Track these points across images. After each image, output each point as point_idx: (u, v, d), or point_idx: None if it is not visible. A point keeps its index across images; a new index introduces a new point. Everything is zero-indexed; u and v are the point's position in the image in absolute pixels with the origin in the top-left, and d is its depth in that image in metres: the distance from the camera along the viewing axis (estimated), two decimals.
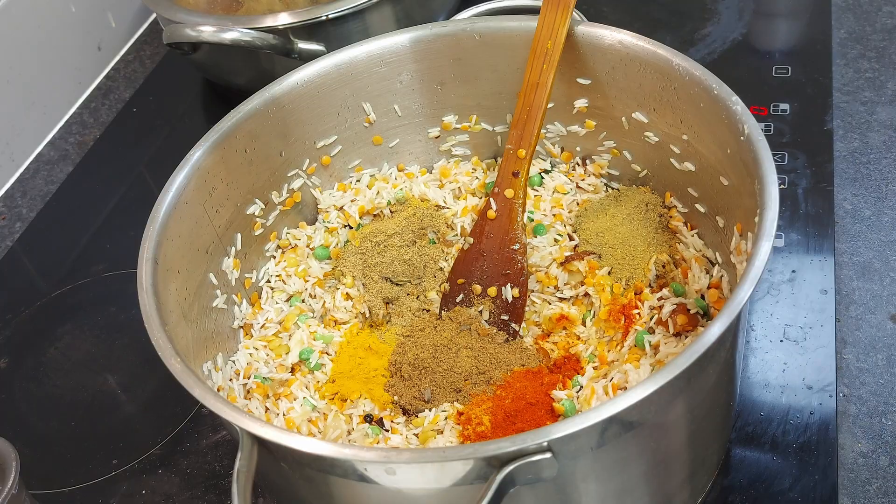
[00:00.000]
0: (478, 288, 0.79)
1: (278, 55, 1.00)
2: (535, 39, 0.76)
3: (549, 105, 0.79)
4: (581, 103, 0.80)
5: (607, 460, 0.57)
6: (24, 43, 1.15)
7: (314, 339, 0.77)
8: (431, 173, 0.88)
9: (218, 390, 0.69)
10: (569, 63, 0.78)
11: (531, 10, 0.82)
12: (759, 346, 0.80)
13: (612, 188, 0.84)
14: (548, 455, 0.50)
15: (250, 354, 0.76)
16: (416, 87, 0.83)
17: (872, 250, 0.88)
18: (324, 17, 0.99)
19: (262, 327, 0.78)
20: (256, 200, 0.79)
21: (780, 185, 0.60)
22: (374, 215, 0.85)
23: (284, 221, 0.84)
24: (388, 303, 0.81)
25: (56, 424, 0.86)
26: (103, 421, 0.86)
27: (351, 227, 0.84)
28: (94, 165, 1.16)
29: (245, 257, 0.80)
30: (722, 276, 0.72)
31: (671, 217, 0.78)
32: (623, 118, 0.79)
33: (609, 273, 0.76)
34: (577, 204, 0.82)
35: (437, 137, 0.86)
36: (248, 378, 0.73)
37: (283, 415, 0.72)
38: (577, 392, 0.70)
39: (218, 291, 0.75)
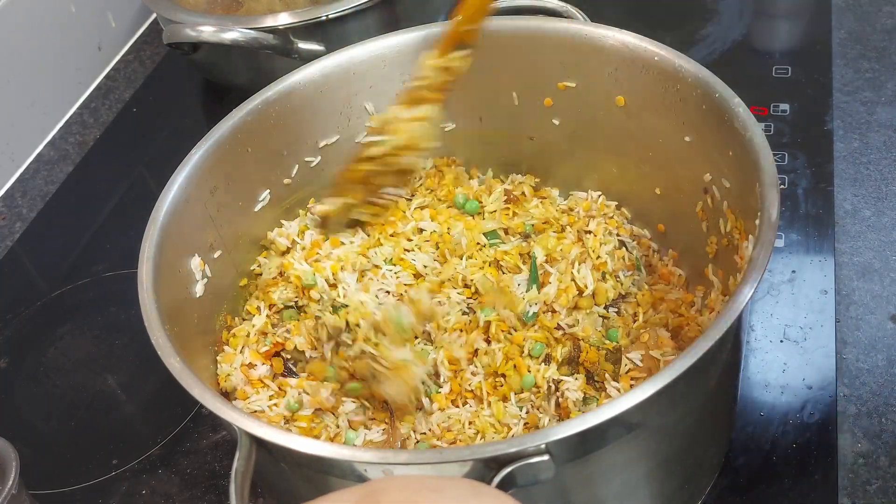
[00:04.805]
0: None
1: (278, 55, 1.00)
2: None
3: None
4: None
5: (606, 462, 0.56)
6: (24, 43, 1.15)
7: None
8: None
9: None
10: (570, 64, 0.78)
11: (534, 11, 0.82)
12: (759, 346, 0.80)
13: None
14: (546, 457, 0.50)
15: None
16: None
17: (872, 250, 0.88)
18: (324, 17, 0.99)
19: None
20: (258, 199, 0.80)
21: (780, 185, 0.60)
22: None
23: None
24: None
25: (56, 424, 0.86)
26: (103, 421, 0.86)
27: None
28: (94, 165, 1.16)
29: None
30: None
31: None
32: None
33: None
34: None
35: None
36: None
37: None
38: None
39: None
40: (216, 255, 0.75)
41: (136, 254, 0.66)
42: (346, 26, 1.01)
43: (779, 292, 0.84)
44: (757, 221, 0.59)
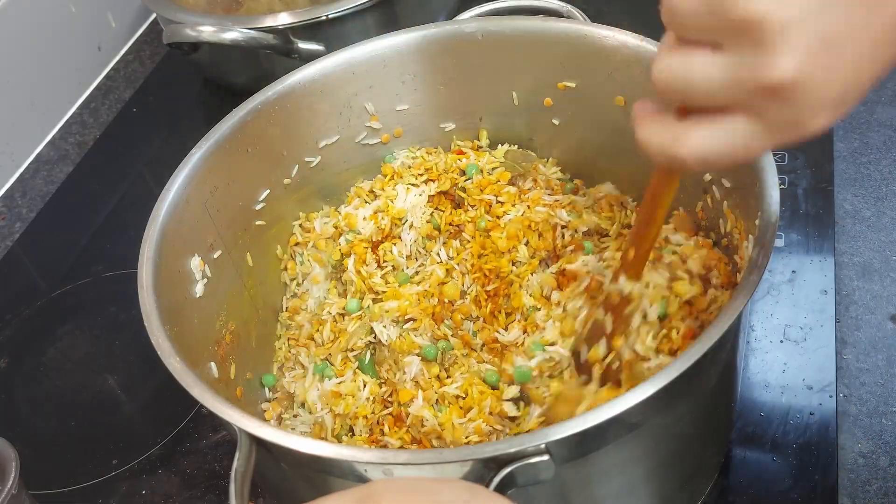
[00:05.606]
0: None
1: (278, 55, 1.00)
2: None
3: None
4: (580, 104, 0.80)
5: (606, 463, 0.57)
6: (24, 43, 1.15)
7: None
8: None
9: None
10: (570, 64, 0.78)
11: (533, 11, 0.82)
12: (759, 346, 0.80)
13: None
14: (545, 457, 0.50)
15: None
16: (419, 87, 0.83)
17: (872, 250, 0.88)
18: (324, 17, 1.00)
19: None
20: (258, 199, 0.80)
21: (780, 185, 0.60)
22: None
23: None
24: None
25: (56, 424, 0.86)
26: (103, 421, 0.86)
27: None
28: (94, 165, 1.16)
29: None
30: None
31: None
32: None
33: None
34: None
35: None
36: None
37: None
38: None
39: None
40: (216, 255, 0.75)
41: (136, 254, 0.66)
42: (346, 26, 1.01)
43: (779, 292, 0.84)
44: (757, 221, 0.59)
